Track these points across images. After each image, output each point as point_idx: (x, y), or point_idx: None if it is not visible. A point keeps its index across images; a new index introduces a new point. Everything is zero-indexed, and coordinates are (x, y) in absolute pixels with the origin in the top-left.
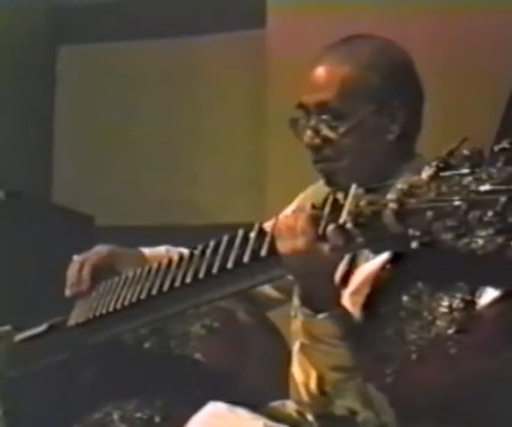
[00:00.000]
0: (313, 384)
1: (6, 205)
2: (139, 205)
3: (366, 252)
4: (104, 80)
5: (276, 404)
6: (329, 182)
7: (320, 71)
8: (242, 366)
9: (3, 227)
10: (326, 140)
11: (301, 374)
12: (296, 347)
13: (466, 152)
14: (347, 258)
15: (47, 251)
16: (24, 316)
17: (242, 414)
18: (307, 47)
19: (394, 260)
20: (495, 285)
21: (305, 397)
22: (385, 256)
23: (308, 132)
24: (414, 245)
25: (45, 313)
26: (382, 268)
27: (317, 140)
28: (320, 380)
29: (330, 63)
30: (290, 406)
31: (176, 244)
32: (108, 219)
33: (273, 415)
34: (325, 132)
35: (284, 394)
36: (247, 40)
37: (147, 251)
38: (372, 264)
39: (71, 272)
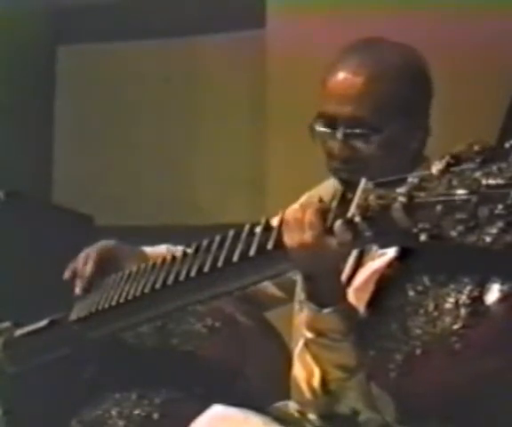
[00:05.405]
0: (316, 383)
1: (6, 205)
2: (139, 205)
3: (372, 254)
4: (104, 80)
5: (278, 405)
6: (347, 189)
7: (347, 81)
8: (242, 365)
9: (3, 227)
10: (358, 152)
11: (304, 371)
12: (299, 345)
13: (476, 148)
14: (353, 259)
15: (47, 251)
16: (24, 316)
17: (249, 416)
18: (307, 47)
19: (400, 257)
20: (504, 279)
21: (307, 395)
22: (391, 254)
23: (337, 144)
24: (423, 238)
25: (45, 313)
26: (388, 265)
27: (347, 152)
28: (323, 378)
29: (357, 74)
30: (292, 407)
31: (176, 244)
32: (108, 219)
33: (276, 416)
34: (359, 145)
35: (284, 396)
36: (247, 40)
37: (148, 249)
38: (378, 261)
39: (77, 265)
